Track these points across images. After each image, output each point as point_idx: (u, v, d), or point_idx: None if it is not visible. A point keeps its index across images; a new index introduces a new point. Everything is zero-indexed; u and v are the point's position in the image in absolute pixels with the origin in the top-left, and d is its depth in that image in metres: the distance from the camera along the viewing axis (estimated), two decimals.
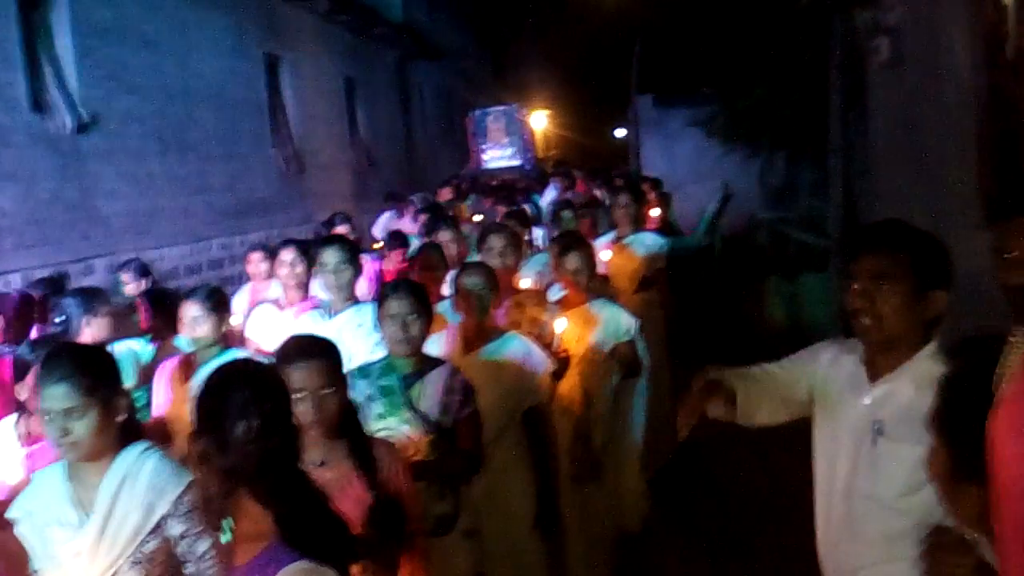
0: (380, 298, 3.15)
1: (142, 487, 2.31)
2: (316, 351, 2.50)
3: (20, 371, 3.16)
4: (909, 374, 2.10)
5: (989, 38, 4.77)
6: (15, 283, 6.32)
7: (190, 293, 3.80)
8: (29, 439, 3.06)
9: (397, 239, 6.74)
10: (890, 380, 2.13)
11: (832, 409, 2.25)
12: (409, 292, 3.10)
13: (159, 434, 3.55)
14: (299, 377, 2.41)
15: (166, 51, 8.82)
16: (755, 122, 12.82)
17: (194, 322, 3.66)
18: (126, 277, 5.82)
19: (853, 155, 7.37)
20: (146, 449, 2.40)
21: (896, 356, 2.13)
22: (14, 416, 3.17)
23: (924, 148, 5.77)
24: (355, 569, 2.30)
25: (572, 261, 4.33)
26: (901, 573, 1.99)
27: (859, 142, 7.19)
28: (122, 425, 2.38)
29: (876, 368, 2.17)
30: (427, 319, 3.10)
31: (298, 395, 2.37)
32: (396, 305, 3.04)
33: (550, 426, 3.62)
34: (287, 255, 4.60)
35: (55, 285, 5.40)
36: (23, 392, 3.11)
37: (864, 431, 2.14)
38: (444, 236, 5.17)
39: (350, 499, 2.37)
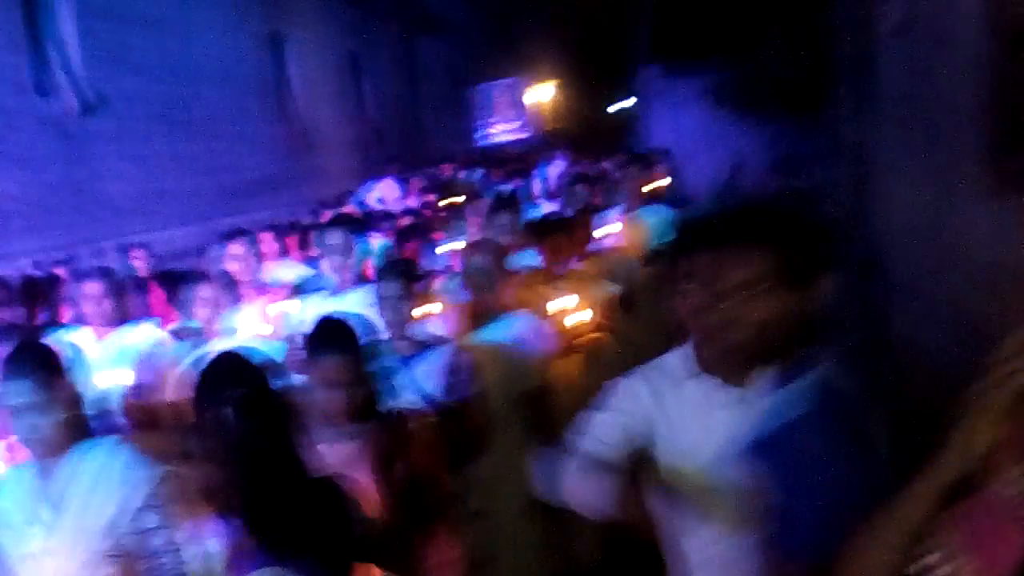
0: (377, 278, 3.14)
1: (114, 481, 2.30)
2: (343, 344, 2.45)
3: None
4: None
5: (1002, 3, 4.69)
6: (24, 267, 6.33)
7: (202, 275, 3.77)
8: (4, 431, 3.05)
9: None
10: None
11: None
12: (400, 273, 3.08)
13: (170, 418, 3.56)
14: (322, 369, 2.40)
15: (169, 31, 8.78)
16: (764, 90, 12.71)
17: (207, 304, 3.63)
18: (135, 258, 5.82)
19: (862, 123, 7.29)
20: (116, 442, 2.39)
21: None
22: None
23: (934, 116, 5.71)
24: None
25: (557, 239, 4.32)
26: None
27: (868, 109, 7.11)
28: (86, 419, 2.37)
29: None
30: (422, 299, 3.08)
31: (323, 386, 2.38)
32: (386, 287, 3.02)
33: (554, 406, 3.59)
34: (236, 248, 4.31)
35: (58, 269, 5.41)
36: None
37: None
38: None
39: (365, 476, 2.38)
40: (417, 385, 2.97)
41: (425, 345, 3.06)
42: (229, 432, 1.83)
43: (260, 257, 4.52)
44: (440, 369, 2.99)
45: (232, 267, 4.29)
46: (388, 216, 6.70)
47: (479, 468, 3.14)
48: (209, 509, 2.22)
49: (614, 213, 6.13)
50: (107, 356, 3.84)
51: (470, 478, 3.05)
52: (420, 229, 5.09)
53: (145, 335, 3.98)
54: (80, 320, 4.07)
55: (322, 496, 1.94)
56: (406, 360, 3.02)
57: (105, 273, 4.12)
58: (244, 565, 1.77)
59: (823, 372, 1.70)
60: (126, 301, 4.14)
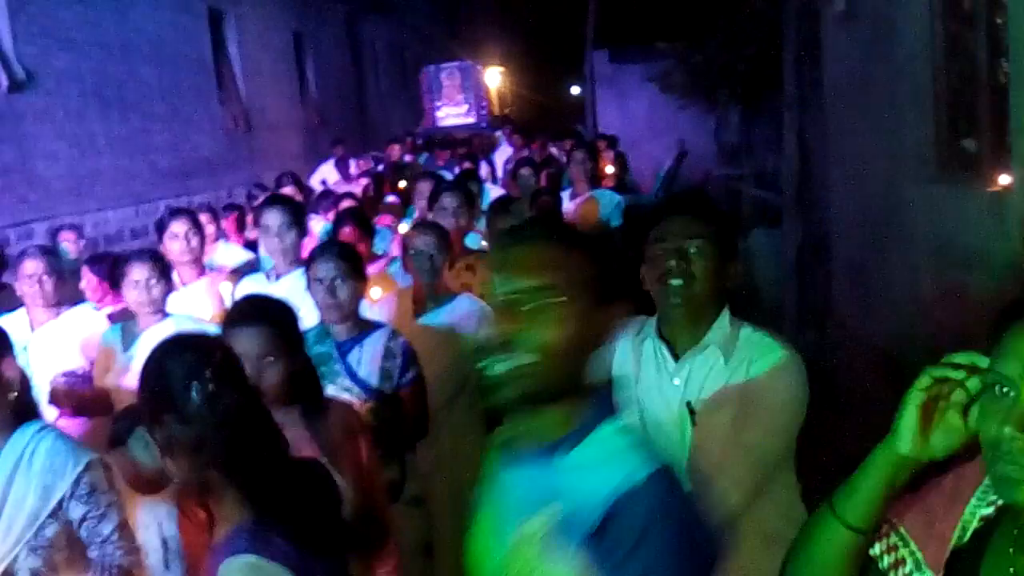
0: (308, 262, 3.04)
1: (38, 468, 2.18)
2: (259, 316, 2.37)
3: None
4: (714, 343, 2.05)
5: None
6: None
7: (135, 255, 3.62)
8: None
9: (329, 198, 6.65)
10: (695, 352, 2.07)
11: (643, 397, 2.10)
12: (336, 255, 2.99)
13: (101, 404, 3.43)
14: (238, 343, 2.30)
15: (104, 6, 8.51)
16: (710, 77, 12.78)
17: (139, 286, 3.48)
18: (65, 240, 5.62)
19: (807, 110, 7.34)
20: (42, 428, 2.27)
21: (698, 328, 2.07)
22: None
23: (879, 102, 5.75)
24: None
25: (509, 222, 4.26)
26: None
27: (813, 97, 7.15)
28: (14, 403, 2.24)
29: (679, 344, 2.09)
30: (358, 282, 2.99)
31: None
32: (323, 269, 2.93)
33: None
34: (179, 227, 4.11)
35: None
36: None
37: (681, 415, 2.05)
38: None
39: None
40: (352, 371, 2.89)
41: (361, 329, 2.97)
42: (209, 415, 1.72)
43: (202, 238, 4.36)
44: (376, 354, 2.91)
45: (172, 247, 4.14)
46: (328, 198, 6.59)
47: (420, 455, 3.07)
48: (144, 497, 2.11)
49: (563, 198, 6.12)
50: (43, 340, 3.69)
51: (408, 464, 2.98)
52: (360, 212, 4.97)
53: (83, 319, 3.83)
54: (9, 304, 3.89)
55: (309, 479, 1.86)
56: (341, 345, 2.93)
57: (46, 252, 3.95)
58: (219, 553, 1.68)
59: (623, 430, 1.42)
60: (66, 282, 3.98)
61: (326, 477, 1.93)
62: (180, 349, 1.83)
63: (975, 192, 4.49)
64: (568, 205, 5.92)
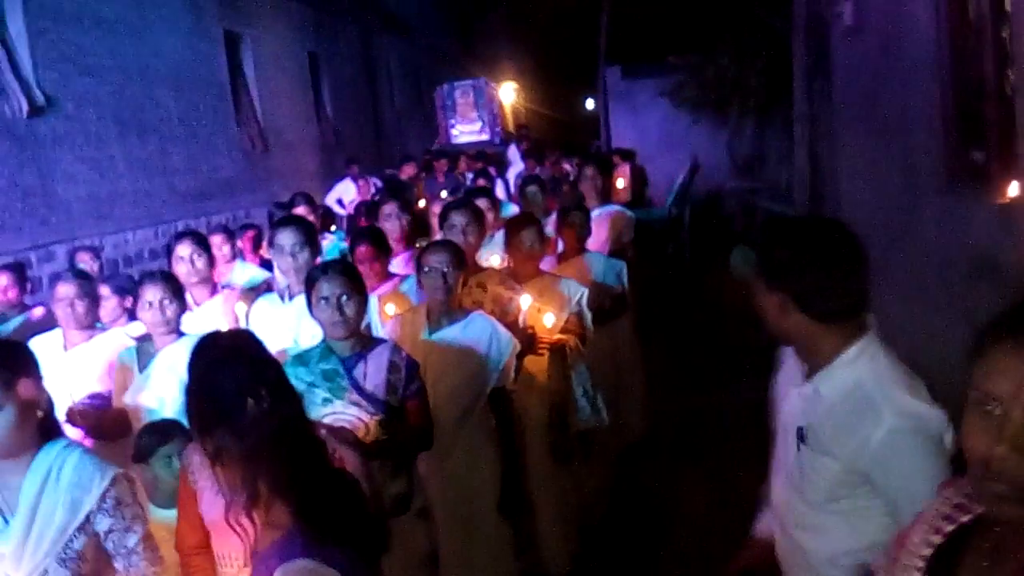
0: (310, 281, 3.05)
1: (65, 484, 2.24)
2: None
3: None
4: (831, 377, 1.91)
5: (953, 4, 4.75)
6: None
7: (147, 277, 3.68)
8: None
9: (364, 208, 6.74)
10: (817, 380, 1.94)
11: (780, 404, 2.15)
12: (341, 272, 3.02)
13: (118, 425, 3.49)
14: None
15: (122, 31, 8.63)
16: (722, 91, 12.81)
17: (154, 306, 3.54)
18: (82, 262, 5.70)
19: (818, 122, 7.36)
20: (68, 444, 2.33)
21: (818, 357, 1.96)
22: None
23: (888, 113, 5.77)
24: None
25: (527, 239, 4.30)
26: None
27: (823, 109, 7.18)
28: (42, 421, 2.30)
29: (810, 365, 2.00)
30: (362, 299, 3.04)
31: None
32: (328, 286, 2.95)
33: (515, 407, 3.57)
34: (183, 249, 4.19)
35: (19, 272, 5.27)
36: None
37: (791, 432, 2.01)
38: (389, 209, 5.09)
39: None
40: (359, 385, 2.93)
41: (364, 345, 3.02)
42: (264, 428, 1.78)
43: (211, 259, 4.43)
44: (382, 368, 2.95)
45: (179, 270, 4.19)
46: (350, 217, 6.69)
47: (431, 468, 3.10)
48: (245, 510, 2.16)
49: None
50: (75, 361, 3.76)
51: (415, 477, 3.02)
52: (378, 231, 5.03)
53: (115, 341, 3.89)
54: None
55: (347, 488, 1.92)
56: (346, 361, 2.97)
57: (79, 275, 4.03)
58: (272, 558, 1.72)
59: None
60: (98, 304, 4.05)
61: (358, 486, 1.98)
62: (233, 364, 1.88)
63: (984, 203, 4.50)
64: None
